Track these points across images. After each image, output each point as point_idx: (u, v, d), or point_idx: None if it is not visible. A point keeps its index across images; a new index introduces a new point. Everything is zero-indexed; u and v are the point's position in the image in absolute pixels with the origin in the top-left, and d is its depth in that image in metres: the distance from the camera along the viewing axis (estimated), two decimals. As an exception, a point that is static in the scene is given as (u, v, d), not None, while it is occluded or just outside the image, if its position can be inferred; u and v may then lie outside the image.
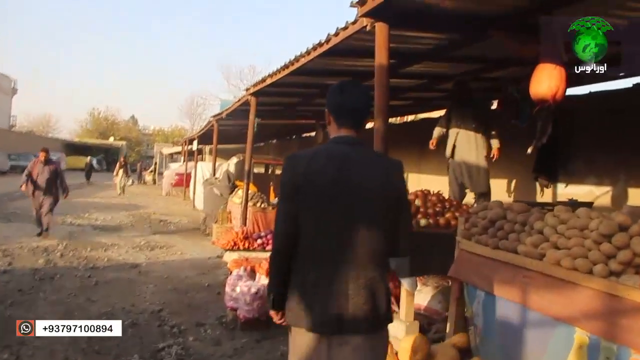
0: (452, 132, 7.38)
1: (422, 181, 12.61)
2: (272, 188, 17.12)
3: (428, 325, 5.55)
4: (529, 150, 6.68)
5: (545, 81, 4.14)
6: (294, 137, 23.20)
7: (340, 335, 2.27)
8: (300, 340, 2.32)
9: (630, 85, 7.94)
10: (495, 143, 7.27)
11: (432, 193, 5.64)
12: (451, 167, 7.45)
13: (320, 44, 5.41)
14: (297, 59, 6.20)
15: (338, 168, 2.29)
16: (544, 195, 8.86)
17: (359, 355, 2.28)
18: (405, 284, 5.06)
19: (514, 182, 9.71)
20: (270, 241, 6.83)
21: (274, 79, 7.34)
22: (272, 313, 2.47)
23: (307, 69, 6.82)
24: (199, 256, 10.22)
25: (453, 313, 4.36)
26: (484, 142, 7.22)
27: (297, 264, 2.33)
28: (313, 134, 20.87)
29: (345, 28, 4.75)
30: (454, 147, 7.30)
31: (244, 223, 9.31)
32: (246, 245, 7.06)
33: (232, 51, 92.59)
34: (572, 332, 3.12)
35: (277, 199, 2.50)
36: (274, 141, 25.85)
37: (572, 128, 8.06)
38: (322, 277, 2.27)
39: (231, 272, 6.50)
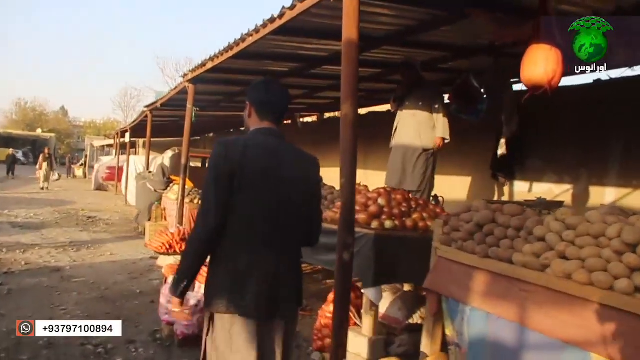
0: (397, 116, 6.60)
1: (368, 177, 12.06)
2: (207, 182, 16.27)
3: (388, 335, 4.99)
4: (501, 150, 6.22)
5: (541, 64, 3.59)
6: (231, 130, 22.27)
7: (271, 320, 2.44)
8: (232, 326, 2.38)
9: (591, 81, 7.63)
10: (439, 131, 6.18)
11: (396, 191, 5.06)
12: (390, 157, 6.58)
13: (272, 20, 4.70)
14: (243, 39, 5.46)
15: (271, 158, 2.44)
16: (502, 194, 8.50)
17: (287, 336, 2.53)
18: (368, 294, 4.48)
19: (468, 180, 9.29)
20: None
21: (216, 62, 6.55)
22: (177, 301, 2.51)
23: (253, 52, 6.10)
24: (131, 257, 9.33)
25: (431, 330, 3.76)
26: (429, 132, 6.22)
27: (224, 251, 2.39)
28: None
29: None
30: (394, 132, 6.52)
31: (180, 222, 8.47)
32: (184, 248, 6.20)
33: (169, 42, 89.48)
34: (586, 359, 2.58)
35: (204, 185, 2.47)
36: (211, 135, 24.81)
37: (529, 123, 7.68)
38: (255, 261, 2.38)
39: (166, 279, 5.70)
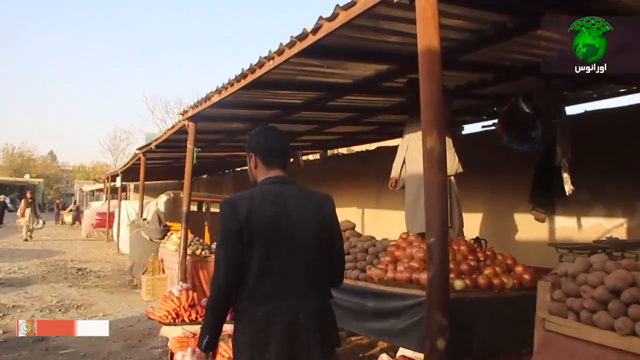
0: (402, 144, 5.72)
1: (380, 218, 11.23)
2: (207, 228, 15.28)
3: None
4: (568, 186, 5.35)
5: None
6: (227, 171, 21.36)
7: None
8: None
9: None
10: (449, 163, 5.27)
11: (459, 240, 4.15)
12: (406, 192, 5.60)
13: (302, 37, 3.84)
14: (261, 64, 4.60)
15: (276, 206, 2.43)
16: (540, 232, 7.61)
17: None
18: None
19: (497, 216, 8.39)
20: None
21: (223, 95, 5.69)
22: (201, 355, 2.48)
23: (269, 81, 5.28)
24: (126, 317, 8.29)
25: None
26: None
27: (242, 306, 2.41)
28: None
29: (353, 4, 3.17)
30: (403, 163, 5.62)
31: (184, 278, 7.46)
32: (193, 316, 5.09)
33: (159, 84, 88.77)
34: None
35: (215, 243, 2.60)
36: (205, 176, 23.83)
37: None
38: (272, 313, 2.37)
39: (172, 356, 4.69)
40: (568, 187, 5.45)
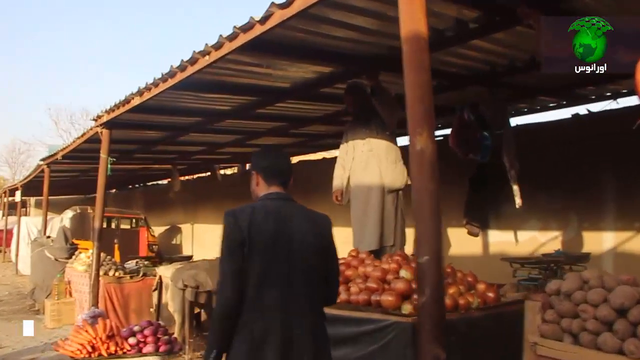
0: (343, 153, 5.30)
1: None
2: (117, 246, 14.30)
3: None
4: (518, 199, 5.18)
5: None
6: (137, 185, 20.22)
7: None
8: None
9: (569, 116, 6.89)
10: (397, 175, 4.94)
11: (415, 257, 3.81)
12: (352, 207, 5.15)
13: (247, 28, 3.38)
14: (193, 61, 4.08)
15: (277, 222, 2.44)
16: (473, 246, 7.50)
17: None
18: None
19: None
20: (149, 338, 4.44)
21: (145, 97, 5.09)
22: None
23: (198, 81, 4.75)
24: (27, 347, 7.31)
25: None
26: (391, 168, 4.91)
27: (241, 318, 2.36)
28: (165, 181, 18.30)
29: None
30: (348, 179, 5.16)
31: (96, 302, 6.69)
32: (112, 349, 4.36)
33: (62, 93, 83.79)
34: None
35: (220, 257, 2.33)
36: (114, 191, 22.46)
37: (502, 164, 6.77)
38: (270, 327, 2.34)
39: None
40: (518, 200, 5.29)
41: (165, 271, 7.13)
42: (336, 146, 10.22)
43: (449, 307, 3.36)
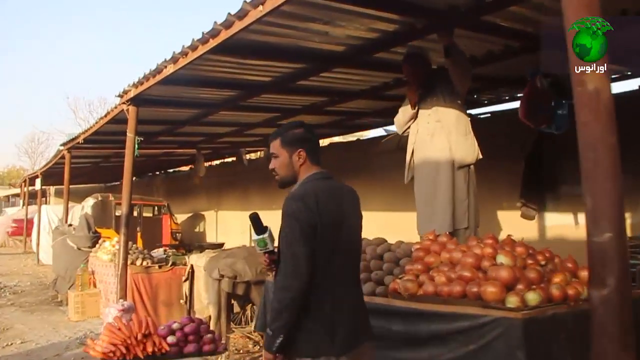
0: (412, 130, 4.61)
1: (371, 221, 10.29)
2: (139, 234, 13.91)
3: None
4: None
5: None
6: (157, 173, 19.69)
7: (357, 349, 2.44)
8: None
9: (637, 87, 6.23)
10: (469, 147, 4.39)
11: (510, 239, 3.23)
12: (415, 186, 4.57)
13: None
14: (244, 13, 3.47)
15: (337, 203, 2.49)
16: (529, 231, 6.87)
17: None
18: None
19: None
20: (190, 337, 3.90)
21: (180, 64, 4.53)
22: (269, 356, 2.38)
23: (242, 43, 4.16)
24: (50, 343, 6.86)
25: None
26: (461, 140, 4.32)
27: (311, 299, 2.37)
28: (187, 168, 17.79)
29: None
30: (412, 152, 4.57)
31: (124, 295, 6.17)
32: (149, 349, 3.78)
33: (81, 82, 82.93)
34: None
35: (288, 242, 2.34)
36: (133, 178, 21.98)
37: (564, 140, 6.13)
38: (337, 302, 2.42)
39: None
40: None
41: (197, 260, 6.62)
42: (373, 126, 9.78)
43: (558, 298, 2.79)
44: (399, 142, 5.96)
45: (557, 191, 6.69)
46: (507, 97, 7.27)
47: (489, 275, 2.78)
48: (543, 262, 3.06)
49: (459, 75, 4.09)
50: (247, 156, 13.81)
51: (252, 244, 2.68)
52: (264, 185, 11.43)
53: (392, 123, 8.43)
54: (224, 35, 3.73)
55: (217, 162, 15.49)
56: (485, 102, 7.44)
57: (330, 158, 10.11)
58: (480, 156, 4.38)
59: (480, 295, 2.69)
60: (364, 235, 2.76)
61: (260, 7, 3.23)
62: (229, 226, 14.38)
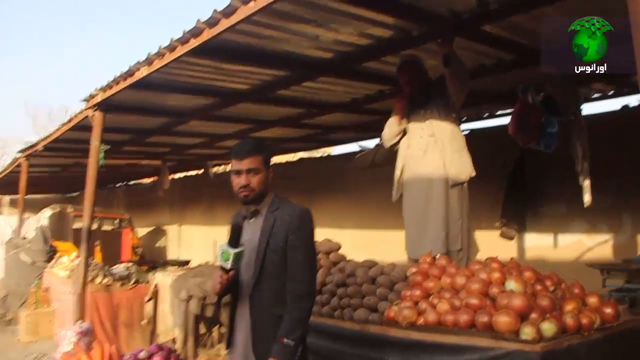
0: (402, 145, 4.38)
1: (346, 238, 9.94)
2: (98, 248, 13.27)
3: None
4: (587, 197, 4.42)
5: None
6: (118, 185, 18.99)
7: None
8: None
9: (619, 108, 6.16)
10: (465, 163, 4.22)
11: (516, 263, 3.01)
12: (404, 205, 4.32)
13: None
14: (232, 9, 3.19)
15: None
16: (507, 251, 6.70)
17: None
18: None
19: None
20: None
21: (155, 67, 4.21)
22: None
23: (224, 45, 3.87)
24: (0, 366, 6.39)
25: None
26: (456, 157, 4.12)
27: None
28: (149, 180, 17.16)
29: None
30: (402, 166, 4.33)
31: (82, 315, 5.70)
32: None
33: (40, 88, 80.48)
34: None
35: (313, 255, 2.49)
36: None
37: (543, 160, 6.01)
38: None
39: None
40: (588, 197, 4.51)
41: (163, 278, 6.23)
42: (345, 141, 9.53)
43: (571, 328, 2.56)
44: (374, 158, 5.73)
45: (538, 210, 6.58)
46: (487, 115, 7.12)
47: (499, 303, 2.54)
48: (552, 288, 2.84)
49: (457, 87, 3.88)
50: (214, 169, 13.41)
51: (217, 250, 2.45)
52: (231, 199, 11.03)
53: (367, 138, 8.28)
54: (207, 35, 3.44)
55: (182, 174, 15.05)
56: (465, 118, 7.28)
57: (301, 174, 9.87)
58: (474, 174, 4.17)
59: (492, 325, 2.44)
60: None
61: (252, 4, 2.95)
62: (192, 241, 13.93)
